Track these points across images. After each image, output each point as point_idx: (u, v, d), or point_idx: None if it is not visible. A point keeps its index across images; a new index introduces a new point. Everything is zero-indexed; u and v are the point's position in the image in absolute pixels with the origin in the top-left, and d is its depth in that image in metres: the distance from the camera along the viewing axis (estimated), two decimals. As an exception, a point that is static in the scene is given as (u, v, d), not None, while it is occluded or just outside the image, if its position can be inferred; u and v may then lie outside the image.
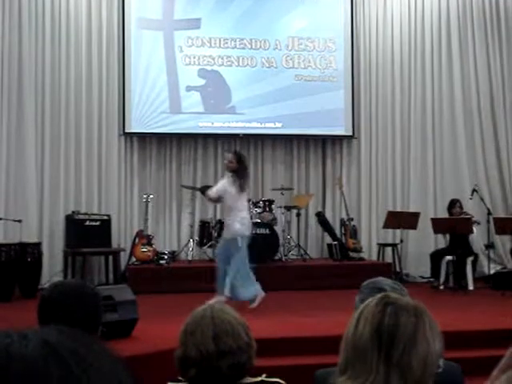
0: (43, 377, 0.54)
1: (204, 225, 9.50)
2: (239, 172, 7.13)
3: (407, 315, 1.60)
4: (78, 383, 0.55)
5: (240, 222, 7.08)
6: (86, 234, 8.92)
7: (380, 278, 2.73)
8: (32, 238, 8.79)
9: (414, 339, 1.57)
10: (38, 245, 8.52)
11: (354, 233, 9.92)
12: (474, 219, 9.10)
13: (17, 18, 9.38)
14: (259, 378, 2.31)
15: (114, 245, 9.37)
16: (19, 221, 8.60)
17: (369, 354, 1.53)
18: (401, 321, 1.58)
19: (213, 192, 7.25)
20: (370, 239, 10.36)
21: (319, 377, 2.32)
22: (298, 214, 9.88)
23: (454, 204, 9.36)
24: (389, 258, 9.80)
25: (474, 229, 9.07)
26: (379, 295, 1.69)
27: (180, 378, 2.31)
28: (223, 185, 7.22)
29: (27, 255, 8.21)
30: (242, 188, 7.10)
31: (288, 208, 9.80)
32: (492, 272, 9.32)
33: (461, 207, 9.35)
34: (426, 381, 1.56)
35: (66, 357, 0.56)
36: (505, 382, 1.27)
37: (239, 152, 7.77)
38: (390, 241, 10.12)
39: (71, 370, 0.55)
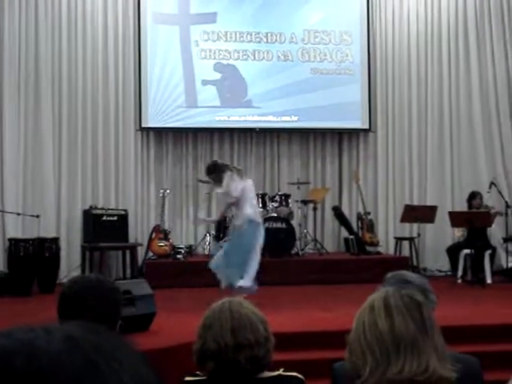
0: (68, 371, 0.54)
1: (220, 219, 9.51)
2: None
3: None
4: (103, 377, 0.55)
5: None
6: (104, 229, 8.97)
7: (405, 271, 2.74)
8: (50, 233, 8.86)
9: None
10: (55, 240, 8.58)
11: (370, 227, 9.89)
12: (496, 210, 9.04)
13: (33, 13, 9.43)
14: (277, 373, 2.31)
15: (131, 240, 9.41)
16: (37, 216, 8.66)
17: (420, 343, 1.74)
18: (432, 313, 1.83)
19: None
20: (387, 233, 10.32)
21: (339, 369, 2.31)
22: (315, 208, 9.87)
23: (474, 196, 9.30)
24: (406, 252, 9.77)
25: (493, 223, 9.02)
26: (391, 288, 1.89)
27: (198, 372, 2.32)
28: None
29: (45, 250, 8.27)
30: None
31: (304, 202, 9.78)
32: (510, 265, 9.26)
33: (481, 199, 9.29)
34: None
35: (90, 351, 0.56)
36: None
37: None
38: (407, 235, 10.08)
39: (96, 364, 0.56)
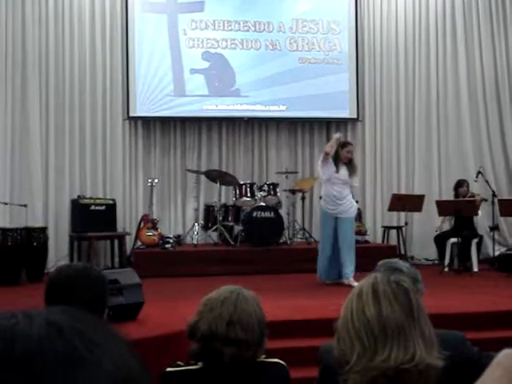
0: (48, 356, 0.54)
1: (209, 209, 9.52)
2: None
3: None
4: (84, 362, 0.55)
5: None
6: (92, 219, 8.95)
7: (396, 259, 2.74)
8: (38, 223, 8.83)
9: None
10: (43, 229, 8.53)
11: (358, 216, 9.89)
12: (481, 197, 9.09)
13: (20, 1, 9.35)
14: (259, 359, 2.32)
15: (119, 229, 9.40)
16: (25, 205, 8.62)
17: (407, 330, 1.73)
18: (420, 300, 1.83)
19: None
20: (375, 222, 10.36)
21: (326, 350, 2.31)
22: (303, 198, 9.88)
23: (461, 184, 9.34)
24: (393, 241, 9.81)
25: (479, 212, 9.07)
26: (379, 274, 1.86)
27: (179, 362, 2.33)
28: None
29: (33, 240, 8.22)
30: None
31: (293, 191, 9.79)
32: (496, 254, 9.32)
33: (468, 187, 9.33)
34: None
35: (71, 336, 0.56)
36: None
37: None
38: (394, 223, 10.13)
39: (77, 348, 0.55)
